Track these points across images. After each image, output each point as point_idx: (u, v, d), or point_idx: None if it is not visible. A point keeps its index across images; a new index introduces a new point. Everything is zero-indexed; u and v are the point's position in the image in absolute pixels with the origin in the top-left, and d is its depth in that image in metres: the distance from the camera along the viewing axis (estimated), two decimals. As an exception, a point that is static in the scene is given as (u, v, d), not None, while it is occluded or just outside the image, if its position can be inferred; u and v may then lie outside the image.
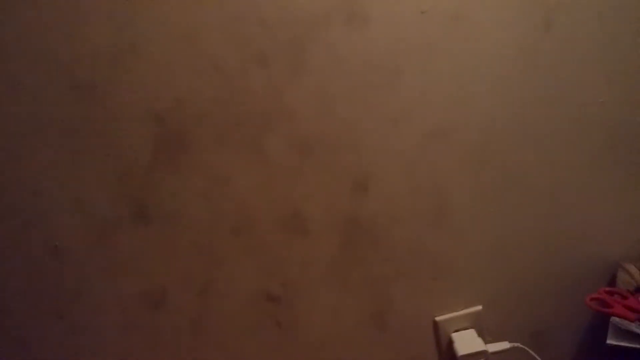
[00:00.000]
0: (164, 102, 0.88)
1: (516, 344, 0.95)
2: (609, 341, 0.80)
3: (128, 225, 0.93)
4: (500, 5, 0.84)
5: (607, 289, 0.89)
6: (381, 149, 0.90)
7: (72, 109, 0.88)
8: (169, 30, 0.85)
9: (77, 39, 0.85)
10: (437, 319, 0.99)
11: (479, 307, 0.99)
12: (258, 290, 0.96)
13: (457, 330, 0.99)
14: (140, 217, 0.92)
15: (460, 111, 0.89)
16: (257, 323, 0.98)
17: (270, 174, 0.91)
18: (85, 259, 0.95)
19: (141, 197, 0.92)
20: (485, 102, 0.89)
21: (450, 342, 0.99)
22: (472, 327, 0.99)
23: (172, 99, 0.88)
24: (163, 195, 0.92)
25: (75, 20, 0.84)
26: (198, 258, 0.94)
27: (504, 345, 0.95)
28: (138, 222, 0.92)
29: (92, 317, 0.98)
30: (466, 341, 0.98)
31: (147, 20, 0.85)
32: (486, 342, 0.96)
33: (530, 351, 0.94)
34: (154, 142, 0.90)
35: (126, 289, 0.96)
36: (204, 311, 0.97)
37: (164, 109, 0.88)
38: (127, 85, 0.87)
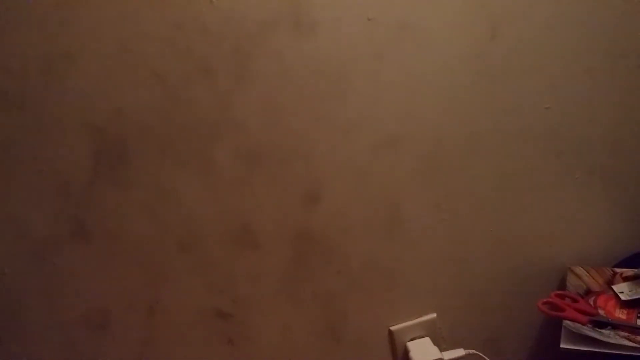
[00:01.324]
0: (102, 113, 0.83)
1: (471, 351, 0.95)
2: (562, 345, 0.81)
3: (67, 244, 0.88)
4: (446, 14, 0.84)
5: (558, 292, 0.91)
6: (332, 159, 0.88)
7: (2, 123, 0.82)
8: (106, 37, 0.81)
9: (5, 48, 0.80)
10: (392, 328, 0.98)
11: (434, 315, 0.98)
12: (208, 307, 0.93)
13: (412, 339, 0.99)
14: (80, 235, 0.87)
15: (410, 120, 0.88)
16: (208, 340, 0.95)
17: (217, 187, 0.88)
18: (22, 280, 0.89)
19: (80, 214, 0.87)
20: (433, 111, 0.88)
21: (407, 351, 0.98)
22: (427, 335, 0.99)
23: (111, 109, 0.83)
24: (104, 211, 0.87)
25: (3, 28, 0.79)
26: (143, 276, 0.90)
27: (459, 352, 0.95)
28: (78, 240, 0.87)
29: (32, 342, 0.92)
30: (422, 350, 0.97)
31: (83, 27, 0.80)
32: (442, 349, 0.96)
33: (485, 357, 0.94)
34: (93, 155, 0.85)
35: (68, 310, 0.91)
36: (152, 330, 0.93)
37: (103, 120, 0.84)
38: (62, 95, 0.82)
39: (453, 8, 0.84)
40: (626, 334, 0.80)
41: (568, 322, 0.84)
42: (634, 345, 0.77)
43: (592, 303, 0.89)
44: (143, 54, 0.81)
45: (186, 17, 0.80)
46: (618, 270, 0.95)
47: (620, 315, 0.85)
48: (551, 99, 0.90)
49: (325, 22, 0.82)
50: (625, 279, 0.92)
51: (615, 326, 0.83)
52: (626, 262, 0.97)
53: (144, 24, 0.80)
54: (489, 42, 0.86)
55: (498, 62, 0.87)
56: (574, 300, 0.89)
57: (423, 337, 0.99)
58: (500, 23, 0.85)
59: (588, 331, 0.82)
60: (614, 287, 0.91)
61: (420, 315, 0.98)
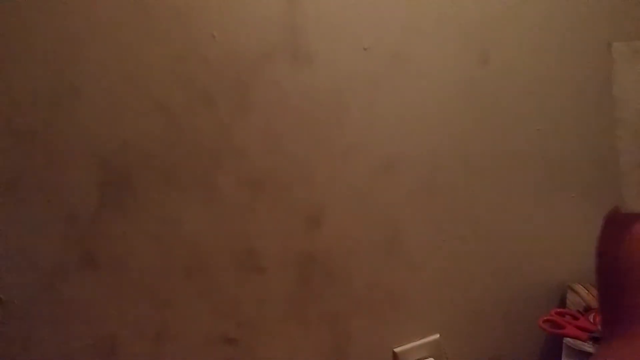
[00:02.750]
0: (108, 145, 0.86)
1: (475, 370, 0.96)
2: (563, 362, 0.82)
3: (75, 273, 0.89)
4: (439, 41, 0.87)
5: (558, 310, 0.92)
6: (332, 183, 0.90)
7: (11, 156, 0.84)
8: (111, 71, 0.83)
9: (13, 83, 0.82)
10: (396, 350, 0.99)
11: (437, 336, 0.99)
12: (214, 333, 0.94)
13: (416, 360, 1.00)
14: (87, 264, 0.89)
15: (406, 144, 0.91)
16: (215, 366, 0.95)
17: (221, 213, 0.90)
18: (31, 310, 0.90)
19: (88, 243, 0.88)
20: (429, 135, 0.91)
21: (411, 373, 0.99)
22: (431, 357, 0.99)
23: (117, 140, 0.85)
24: (111, 240, 0.88)
25: (11, 64, 0.82)
26: (150, 303, 0.91)
27: (463, 372, 0.96)
28: (85, 269, 0.89)
29: (39, 371, 0.92)
30: (426, 371, 0.98)
31: (89, 62, 0.83)
32: (446, 370, 0.96)
33: (489, 376, 0.95)
34: (99, 186, 0.87)
35: (76, 339, 0.91)
36: (159, 357, 0.94)
37: (109, 151, 0.86)
38: (69, 128, 0.84)
39: (445, 36, 0.87)
40: (627, 350, 0.81)
41: (569, 339, 0.85)
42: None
43: (591, 320, 0.90)
44: (147, 86, 0.84)
45: (189, 50, 0.83)
46: (617, 286, 0.96)
47: (621, 331, 0.86)
48: (542, 121, 0.92)
49: (322, 52, 0.85)
50: (624, 295, 0.93)
51: (615, 342, 0.83)
52: (624, 278, 0.98)
53: (148, 57, 0.83)
54: (481, 67, 0.89)
55: (490, 86, 0.90)
56: (574, 318, 0.90)
57: (427, 358, 0.99)
58: (491, 49, 0.89)
59: (588, 347, 0.82)
60: (613, 303, 0.92)
61: (424, 336, 0.99)
